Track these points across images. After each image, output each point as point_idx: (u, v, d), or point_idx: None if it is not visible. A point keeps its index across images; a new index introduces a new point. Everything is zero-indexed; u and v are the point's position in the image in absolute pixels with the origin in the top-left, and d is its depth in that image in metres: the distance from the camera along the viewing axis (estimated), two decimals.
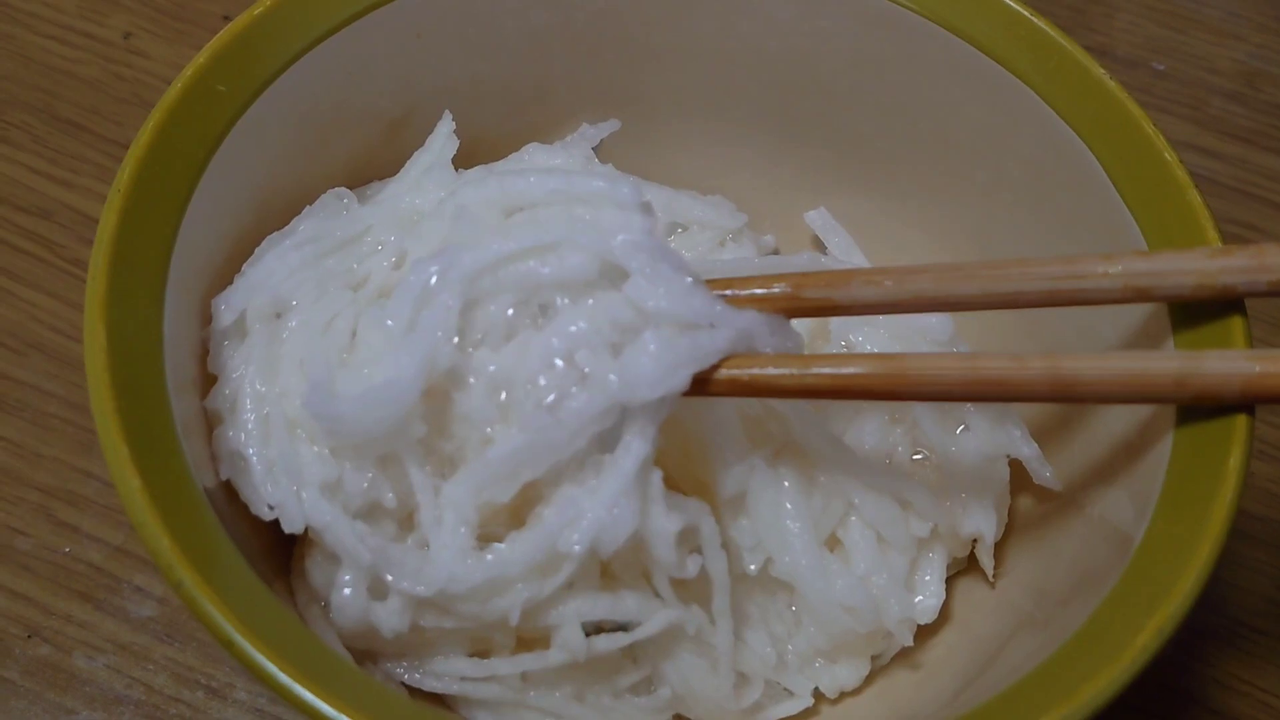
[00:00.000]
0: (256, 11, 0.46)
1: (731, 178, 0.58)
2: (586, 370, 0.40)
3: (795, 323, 0.46)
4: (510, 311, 0.42)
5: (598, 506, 0.40)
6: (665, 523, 0.41)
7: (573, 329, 0.41)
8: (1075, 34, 0.49)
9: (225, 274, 0.46)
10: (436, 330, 0.41)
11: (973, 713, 0.37)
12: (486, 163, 0.54)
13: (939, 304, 0.43)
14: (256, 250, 0.46)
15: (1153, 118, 0.47)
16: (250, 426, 0.42)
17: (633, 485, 0.40)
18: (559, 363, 0.40)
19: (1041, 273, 0.42)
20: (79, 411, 0.56)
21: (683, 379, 0.40)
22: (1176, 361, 0.39)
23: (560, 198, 0.44)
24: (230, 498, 0.43)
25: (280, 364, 0.43)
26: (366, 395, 0.40)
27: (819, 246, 0.58)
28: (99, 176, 0.63)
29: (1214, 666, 0.53)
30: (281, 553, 0.45)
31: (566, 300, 0.42)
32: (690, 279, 0.41)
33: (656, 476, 0.41)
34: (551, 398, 0.40)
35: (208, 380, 0.44)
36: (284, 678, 0.34)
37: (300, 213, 0.49)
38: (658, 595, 0.43)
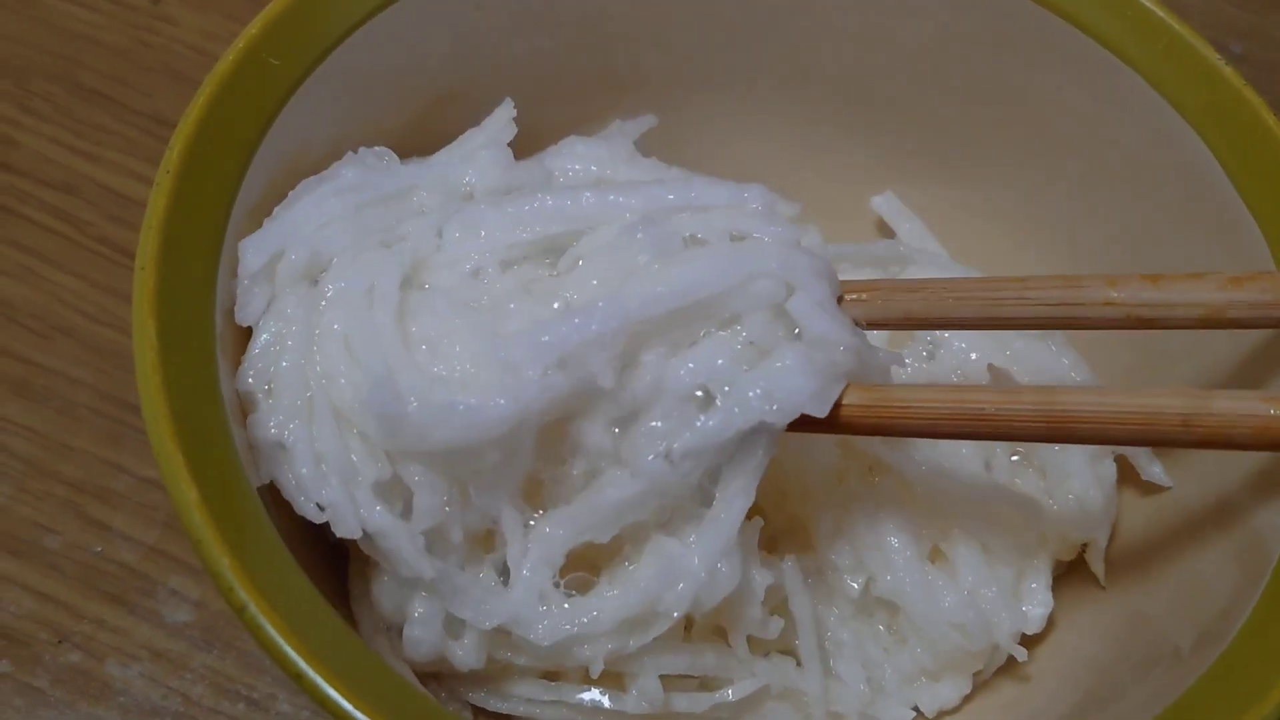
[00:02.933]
0: None
1: (800, 161, 0.55)
2: (722, 393, 0.37)
3: None
4: (662, 353, 0.38)
5: (699, 567, 0.38)
6: (759, 579, 0.39)
7: (719, 361, 0.38)
8: None
9: None
10: (563, 388, 0.37)
11: None
12: (529, 155, 0.50)
13: (930, 324, 0.42)
14: (290, 194, 0.42)
15: None
16: (296, 408, 0.37)
17: (734, 543, 0.38)
18: (699, 394, 0.38)
19: (1040, 297, 0.40)
20: (109, 401, 0.52)
21: (832, 397, 0.37)
22: (1182, 400, 0.36)
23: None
24: (278, 505, 0.39)
25: (322, 339, 0.38)
26: (443, 410, 0.36)
27: (885, 234, 0.55)
28: (126, 150, 0.59)
29: None
30: (333, 569, 0.41)
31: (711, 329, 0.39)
32: (839, 302, 0.40)
33: (755, 527, 0.40)
34: (672, 445, 0.37)
35: None
36: (362, 716, 0.30)
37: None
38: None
